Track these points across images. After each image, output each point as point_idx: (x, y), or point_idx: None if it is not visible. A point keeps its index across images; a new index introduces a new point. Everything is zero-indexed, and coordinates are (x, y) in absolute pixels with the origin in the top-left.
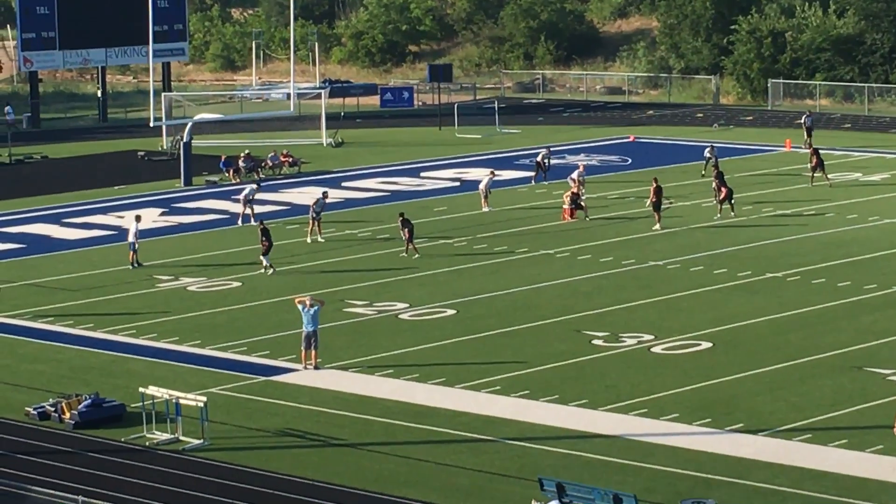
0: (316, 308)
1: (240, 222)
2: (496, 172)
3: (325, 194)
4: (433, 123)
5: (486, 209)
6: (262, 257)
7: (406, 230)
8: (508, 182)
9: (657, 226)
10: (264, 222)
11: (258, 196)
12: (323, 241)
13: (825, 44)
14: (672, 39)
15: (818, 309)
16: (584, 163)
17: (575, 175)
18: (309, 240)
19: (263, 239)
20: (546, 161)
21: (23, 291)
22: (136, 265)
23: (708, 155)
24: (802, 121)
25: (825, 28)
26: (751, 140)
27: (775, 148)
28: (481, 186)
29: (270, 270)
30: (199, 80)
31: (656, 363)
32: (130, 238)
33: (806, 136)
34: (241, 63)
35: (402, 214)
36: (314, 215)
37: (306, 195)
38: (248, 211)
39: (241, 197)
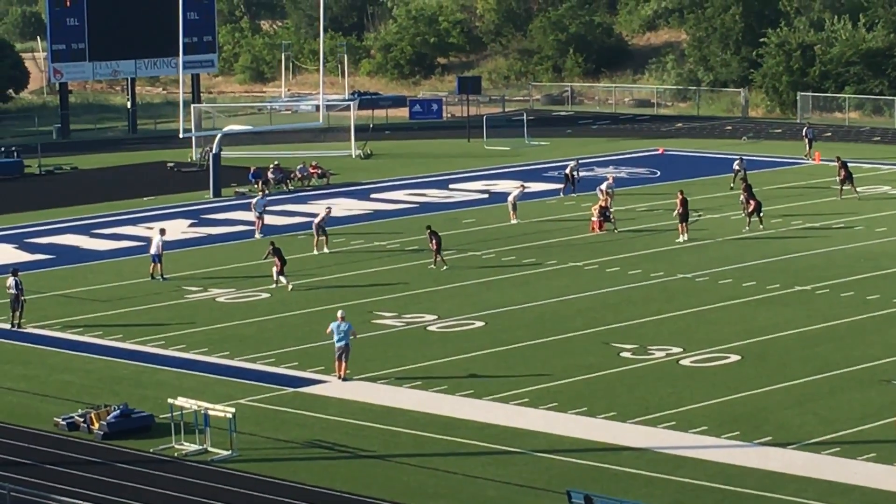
0: (348, 323)
1: (257, 235)
2: (526, 185)
3: (328, 210)
4: (462, 135)
5: (514, 221)
6: (280, 277)
7: (434, 242)
8: (537, 194)
9: (683, 237)
10: (274, 242)
11: (285, 208)
12: (317, 253)
13: (854, 57)
14: (701, 52)
15: (847, 322)
16: (613, 175)
17: (604, 187)
18: (316, 252)
19: (276, 258)
20: (575, 173)
21: (52, 302)
22: (162, 278)
23: (737, 167)
24: (804, 133)
25: (854, 41)
26: (779, 153)
27: (804, 161)
28: (510, 199)
29: (290, 287)
30: (229, 92)
31: (685, 376)
32: (153, 250)
33: (808, 149)
34: (270, 75)
35: (428, 227)
36: (319, 231)
37: (334, 207)
38: (261, 222)
39: (252, 209)
